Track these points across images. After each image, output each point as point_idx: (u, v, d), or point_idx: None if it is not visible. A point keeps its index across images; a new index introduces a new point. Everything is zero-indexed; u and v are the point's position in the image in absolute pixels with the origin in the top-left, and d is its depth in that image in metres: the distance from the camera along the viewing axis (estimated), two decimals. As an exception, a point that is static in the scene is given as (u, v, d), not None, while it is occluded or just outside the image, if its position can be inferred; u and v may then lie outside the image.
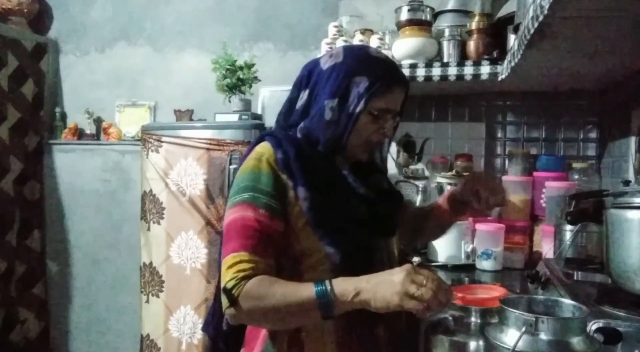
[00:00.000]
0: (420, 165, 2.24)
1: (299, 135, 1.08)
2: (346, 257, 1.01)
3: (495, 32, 1.90)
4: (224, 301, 0.94)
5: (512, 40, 1.60)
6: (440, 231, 1.42)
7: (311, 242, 1.02)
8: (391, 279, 0.87)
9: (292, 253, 1.03)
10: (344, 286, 0.90)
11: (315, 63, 1.11)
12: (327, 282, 0.90)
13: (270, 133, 1.11)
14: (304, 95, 1.09)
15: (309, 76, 1.09)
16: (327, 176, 1.05)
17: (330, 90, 1.05)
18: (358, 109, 1.04)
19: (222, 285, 0.94)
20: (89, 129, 2.95)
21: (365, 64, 1.06)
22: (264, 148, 1.06)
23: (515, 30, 1.44)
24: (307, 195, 1.01)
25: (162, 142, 2.29)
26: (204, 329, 1.19)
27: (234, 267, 0.94)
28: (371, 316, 0.93)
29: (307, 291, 0.90)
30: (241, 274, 0.93)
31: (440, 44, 2.00)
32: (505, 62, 1.70)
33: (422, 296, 0.83)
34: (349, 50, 1.10)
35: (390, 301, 0.86)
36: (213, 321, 1.14)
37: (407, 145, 2.30)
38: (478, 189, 1.16)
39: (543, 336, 0.79)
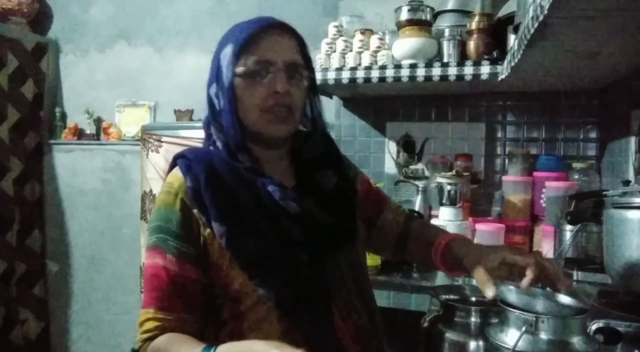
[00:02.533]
0: (420, 165, 2.24)
1: (219, 145, 0.94)
2: (284, 297, 0.88)
3: (495, 32, 1.90)
4: None
5: (512, 40, 1.60)
6: (425, 264, 1.15)
7: (243, 282, 0.88)
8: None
9: (229, 293, 0.90)
10: None
11: None
12: (213, 348, 0.79)
13: (181, 154, 0.95)
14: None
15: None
16: (247, 200, 0.89)
17: (209, 79, 0.95)
18: (228, 77, 0.90)
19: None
20: (89, 129, 2.95)
21: (228, 34, 0.96)
22: (174, 177, 0.93)
23: (515, 30, 1.44)
24: (222, 230, 0.87)
25: (162, 142, 2.29)
26: None
27: (142, 326, 0.89)
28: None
29: None
30: (145, 336, 0.87)
31: (440, 44, 2.00)
32: (505, 62, 1.70)
33: None
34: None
35: None
36: None
37: (407, 145, 2.30)
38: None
39: (543, 336, 0.79)
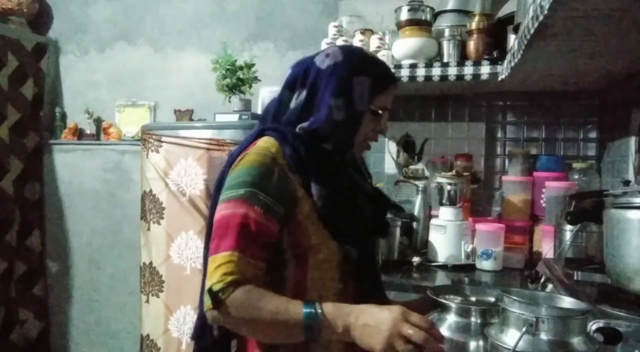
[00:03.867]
0: (420, 165, 2.24)
1: (298, 132, 1.05)
2: (357, 254, 1.03)
3: (495, 32, 1.90)
4: (207, 302, 0.90)
5: (512, 40, 1.60)
6: None
7: (321, 238, 1.00)
8: (378, 327, 0.85)
9: (298, 250, 1.01)
10: (333, 318, 0.87)
11: (309, 62, 1.09)
12: (317, 305, 0.88)
13: (272, 127, 1.07)
14: (302, 94, 1.07)
15: (305, 75, 1.07)
16: (337, 174, 1.05)
17: (333, 89, 1.04)
18: (362, 108, 1.06)
19: (208, 285, 0.90)
20: (89, 129, 2.95)
21: (365, 63, 1.08)
22: (269, 143, 1.02)
23: (515, 30, 1.44)
24: (320, 192, 1.00)
25: (162, 142, 2.29)
26: (194, 337, 1.10)
27: (222, 267, 0.90)
28: None
29: (296, 311, 0.88)
30: (229, 278, 0.89)
31: (440, 44, 2.00)
32: (505, 62, 1.70)
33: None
34: (347, 50, 1.11)
35: (374, 348, 0.85)
36: (203, 329, 1.07)
37: (407, 145, 2.30)
38: None
39: (543, 336, 0.79)
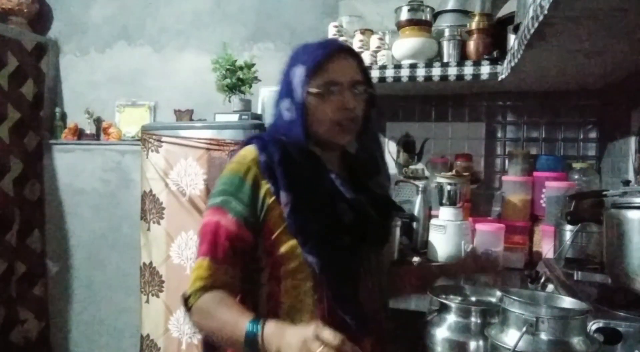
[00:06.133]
0: (420, 165, 2.24)
1: (280, 138, 1.07)
2: (326, 266, 0.99)
3: (495, 32, 1.90)
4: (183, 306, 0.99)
5: (512, 40, 1.60)
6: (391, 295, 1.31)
7: (291, 248, 1.00)
8: (291, 346, 0.82)
9: (273, 257, 1.02)
10: (270, 338, 0.86)
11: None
12: (259, 324, 0.88)
13: (258, 136, 1.11)
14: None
15: None
16: (312, 180, 1.03)
17: (280, 93, 1.09)
18: (300, 95, 1.04)
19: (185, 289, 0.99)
20: (89, 129, 2.95)
21: (299, 54, 1.08)
22: (248, 151, 1.06)
23: (515, 30, 1.44)
24: (288, 199, 0.99)
25: (162, 142, 2.29)
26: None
27: (195, 273, 0.98)
28: (357, 329, 0.98)
29: (240, 327, 0.89)
30: (199, 284, 0.96)
31: (440, 44, 2.00)
32: (505, 62, 1.70)
33: None
34: (293, 49, 1.12)
35: None
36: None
37: (407, 145, 2.30)
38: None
39: (543, 336, 0.79)
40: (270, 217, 1.01)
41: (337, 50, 1.07)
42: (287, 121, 1.06)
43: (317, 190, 1.03)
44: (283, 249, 1.00)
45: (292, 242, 1.00)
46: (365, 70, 1.11)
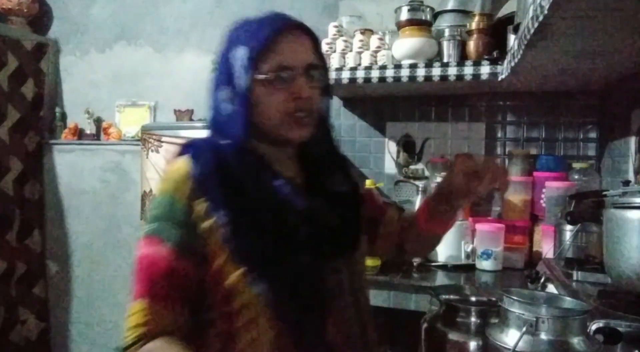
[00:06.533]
0: (420, 165, 2.24)
1: (220, 143, 0.90)
2: (280, 295, 0.83)
3: (495, 32, 1.90)
4: None
5: (512, 40, 1.60)
6: (425, 246, 1.20)
7: (238, 277, 0.83)
8: None
9: (221, 290, 0.84)
10: None
11: None
12: None
13: (192, 142, 0.92)
14: None
15: None
16: (255, 192, 0.85)
17: (216, 81, 0.91)
18: (243, 82, 0.86)
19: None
20: (89, 129, 2.95)
21: (239, 34, 0.90)
22: (178, 164, 0.88)
23: (515, 30, 1.44)
24: (226, 221, 0.82)
25: (162, 142, 2.29)
26: None
27: (133, 318, 0.81)
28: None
29: None
30: (139, 331, 0.80)
31: (440, 44, 2.00)
32: (505, 62, 1.70)
33: None
34: (232, 26, 0.94)
35: None
36: None
37: (407, 145, 2.30)
38: (473, 171, 0.93)
39: (543, 336, 0.79)
40: (210, 243, 0.83)
41: (287, 27, 0.88)
42: (225, 115, 0.89)
43: (261, 203, 0.85)
44: (230, 280, 0.83)
45: (239, 271, 0.83)
46: (320, 50, 0.92)
